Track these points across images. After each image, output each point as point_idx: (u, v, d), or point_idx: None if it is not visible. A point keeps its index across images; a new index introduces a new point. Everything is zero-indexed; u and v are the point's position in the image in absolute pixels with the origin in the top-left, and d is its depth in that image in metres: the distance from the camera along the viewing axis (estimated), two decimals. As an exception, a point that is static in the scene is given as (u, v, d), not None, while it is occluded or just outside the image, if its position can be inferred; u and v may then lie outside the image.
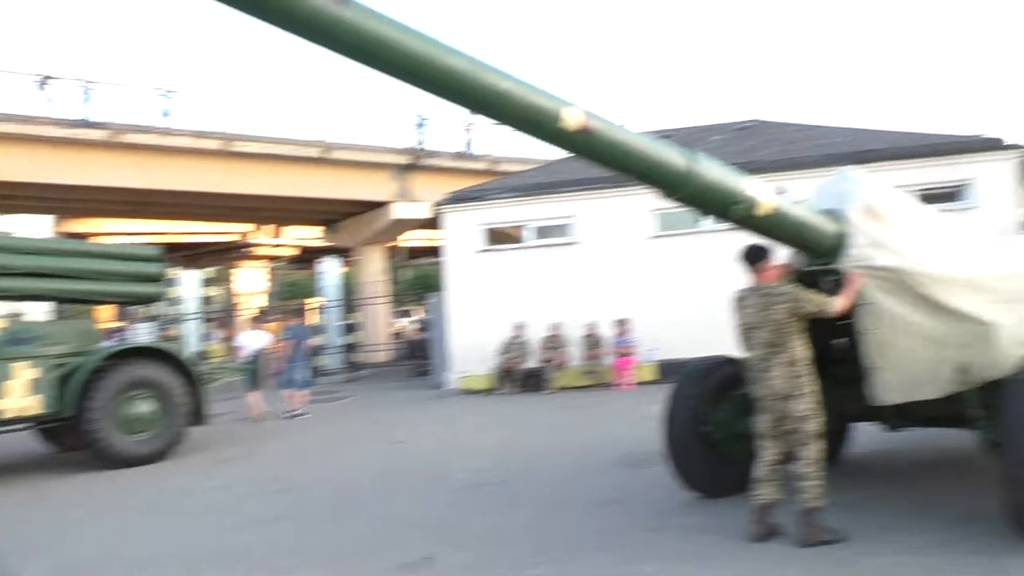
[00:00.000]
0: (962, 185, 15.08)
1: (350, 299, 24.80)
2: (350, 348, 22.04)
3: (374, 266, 28.84)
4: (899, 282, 5.16)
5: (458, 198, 17.59)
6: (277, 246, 37.10)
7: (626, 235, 16.05)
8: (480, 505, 6.95)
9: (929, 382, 5.28)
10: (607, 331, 15.51)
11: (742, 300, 5.40)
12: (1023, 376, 4.82)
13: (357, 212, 28.45)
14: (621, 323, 15.35)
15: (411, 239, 36.13)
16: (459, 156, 28.49)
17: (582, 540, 5.67)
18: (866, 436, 7.54)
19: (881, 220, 5.34)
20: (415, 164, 27.38)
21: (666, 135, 18.04)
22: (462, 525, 6.33)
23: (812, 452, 5.16)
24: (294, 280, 44.06)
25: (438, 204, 17.68)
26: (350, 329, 22.08)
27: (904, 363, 5.27)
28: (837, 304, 5.14)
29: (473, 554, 5.55)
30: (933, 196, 14.65)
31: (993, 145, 15.36)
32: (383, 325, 28.37)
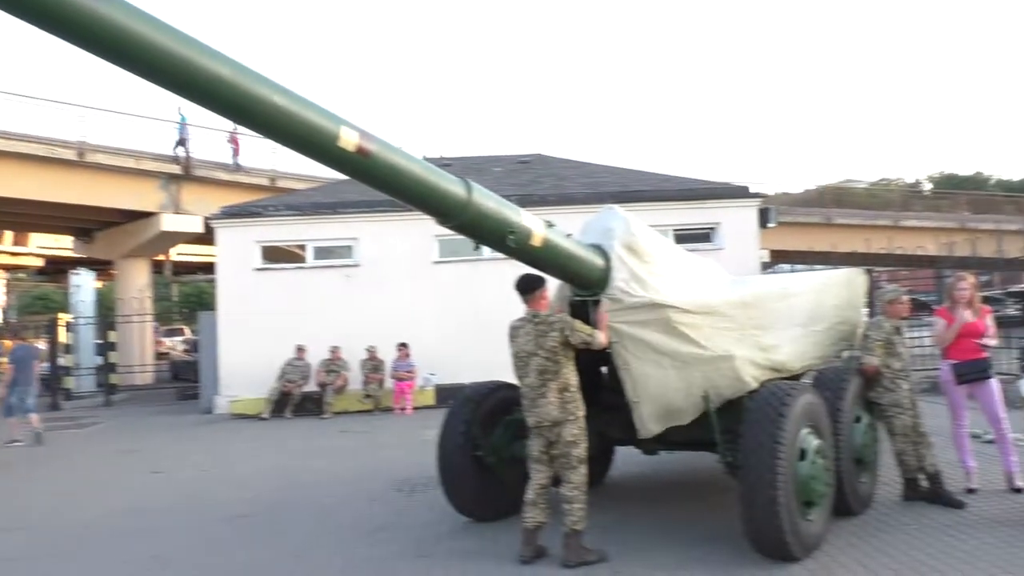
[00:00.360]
0: (712, 227, 16.67)
1: (107, 316, 22.68)
2: (105, 369, 20.11)
3: (137, 281, 26.68)
4: (651, 315, 5.60)
5: (233, 213, 16.77)
6: (17, 255, 33.19)
7: (408, 259, 16.08)
8: (244, 537, 6.61)
9: (682, 410, 5.75)
10: (387, 355, 15.41)
11: (517, 329, 5.58)
12: (756, 402, 5.35)
13: (119, 222, 26.28)
14: (402, 347, 15.32)
15: (183, 254, 33.92)
16: (236, 169, 27.28)
17: (350, 570, 5.56)
18: (623, 459, 8.06)
19: (640, 256, 5.78)
20: (186, 174, 25.80)
21: (447, 163, 18.45)
22: (222, 560, 5.97)
23: (578, 476, 5.41)
24: (42, 293, 39.71)
25: (211, 218, 16.75)
26: (106, 348, 20.15)
27: (659, 394, 5.71)
28: (602, 338, 5.47)
29: (234, 591, 5.26)
30: (687, 236, 16.14)
31: (740, 193, 17.17)
32: (147, 345, 26.27)
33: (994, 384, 6.79)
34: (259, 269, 16.25)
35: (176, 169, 25.67)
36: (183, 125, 25.73)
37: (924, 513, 6.22)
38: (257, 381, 15.34)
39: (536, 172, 19.40)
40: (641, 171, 19.83)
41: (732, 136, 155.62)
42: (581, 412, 5.45)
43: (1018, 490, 6.61)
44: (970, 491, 6.71)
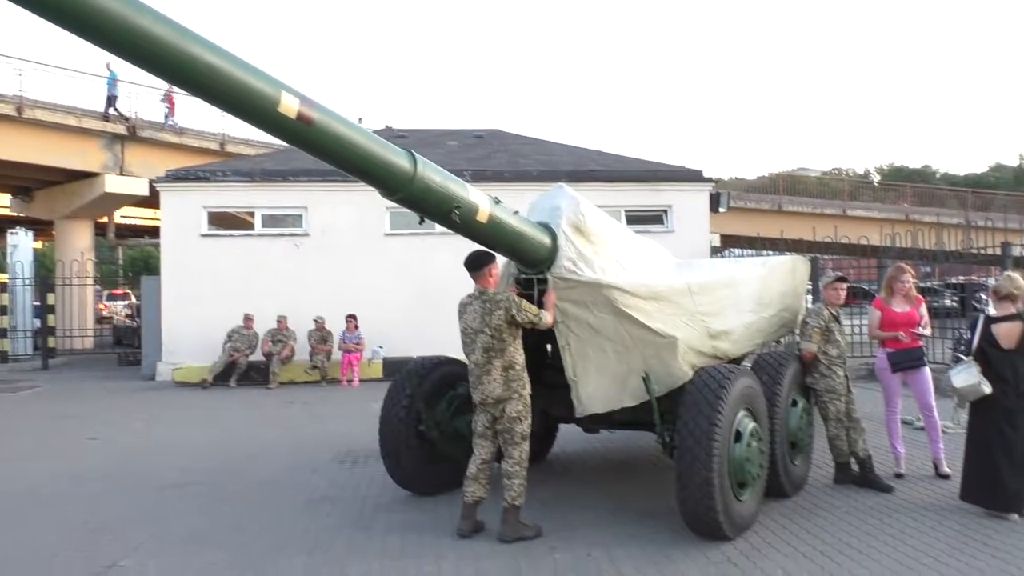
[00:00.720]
0: (664, 210, 16.80)
1: (46, 277, 22.02)
2: (43, 332, 19.56)
3: (79, 243, 25.90)
4: (596, 296, 5.63)
5: (180, 176, 16.34)
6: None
7: (359, 230, 15.91)
8: (183, 507, 6.51)
9: (621, 393, 5.80)
10: (336, 327, 15.27)
11: (465, 306, 5.58)
12: (695, 385, 5.42)
13: (60, 181, 25.48)
14: (350, 319, 15.20)
15: (127, 216, 33.06)
16: (184, 132, 26.59)
17: (288, 541, 5.52)
18: (564, 437, 8.14)
19: (587, 236, 5.79)
20: (131, 135, 25.07)
21: (402, 136, 18.24)
22: (160, 529, 5.88)
23: (520, 452, 5.45)
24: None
25: (157, 181, 16.31)
26: (45, 311, 19.58)
27: (597, 375, 5.76)
28: (548, 318, 5.48)
29: (167, 560, 5.18)
30: (639, 218, 16.26)
31: (694, 177, 17.30)
32: (88, 309, 25.58)
33: (927, 373, 7.00)
34: (205, 235, 15.91)
35: (121, 129, 24.93)
36: (112, 82, 24.92)
37: (854, 496, 6.41)
38: (201, 349, 15.10)
39: (491, 147, 19.31)
40: (596, 151, 19.88)
41: (690, 122, 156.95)
42: (526, 391, 5.47)
43: (944, 476, 6.85)
44: (898, 476, 6.94)
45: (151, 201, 19.56)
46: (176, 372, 15.23)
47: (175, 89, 24.63)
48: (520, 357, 5.47)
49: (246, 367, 15.01)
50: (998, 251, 12.39)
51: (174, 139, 26.28)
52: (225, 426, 10.55)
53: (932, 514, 5.88)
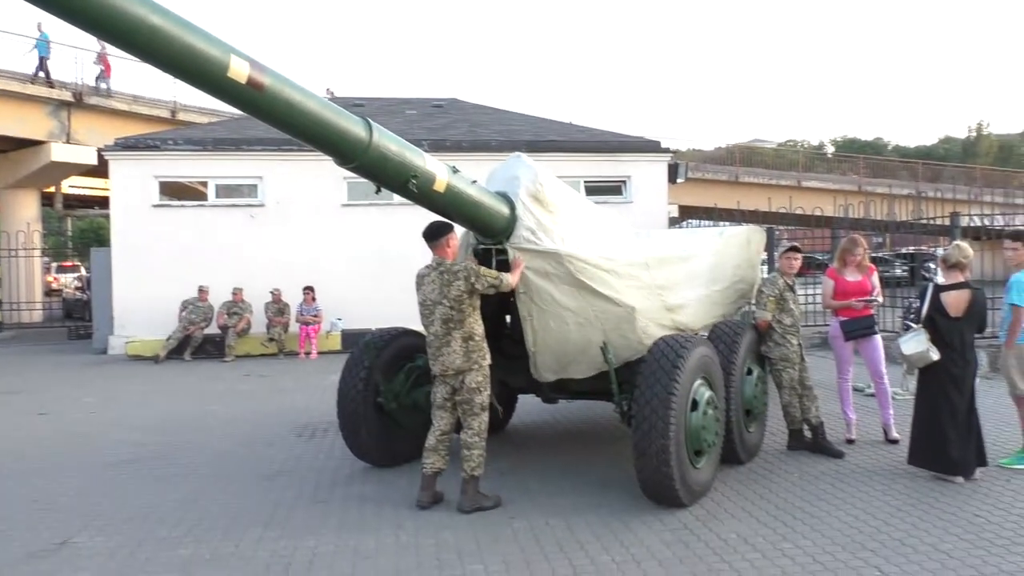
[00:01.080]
0: (623, 180, 16.84)
1: (-10, 249, 21.38)
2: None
3: (25, 213, 25.12)
4: (555, 266, 5.61)
5: (129, 145, 15.90)
6: None
7: (316, 201, 15.69)
8: (135, 483, 6.40)
9: (579, 362, 5.82)
10: (293, 299, 15.08)
11: (423, 277, 5.52)
12: (652, 355, 5.44)
13: (3, 149, 24.62)
14: (308, 291, 15.01)
15: (76, 187, 32.13)
16: (135, 99, 25.83)
17: (244, 515, 5.46)
18: (523, 407, 8.17)
19: (545, 206, 5.76)
20: (78, 102, 24.28)
21: (360, 104, 17.93)
22: (111, 505, 5.77)
23: (479, 423, 5.44)
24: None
25: (105, 150, 15.85)
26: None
27: (557, 346, 5.76)
28: (510, 279, 5.44)
29: (118, 536, 5.09)
30: (598, 188, 16.28)
31: (652, 147, 17.34)
32: (36, 281, 24.91)
33: (878, 341, 7.14)
34: (157, 206, 15.54)
35: (67, 96, 24.12)
36: (43, 43, 24.04)
37: (806, 462, 6.54)
38: (155, 322, 14.84)
39: (451, 117, 19.12)
40: (556, 121, 19.82)
41: (648, 94, 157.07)
42: (486, 361, 5.45)
43: (893, 441, 7.02)
44: (849, 441, 7.10)
45: (100, 171, 18.98)
46: (129, 346, 14.93)
47: (109, 49, 23.83)
48: (480, 328, 5.45)
49: (201, 340, 14.78)
50: (947, 221, 12.66)
51: (123, 107, 25.51)
52: (179, 400, 10.38)
53: (881, 478, 6.03)
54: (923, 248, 27.40)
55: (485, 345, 5.47)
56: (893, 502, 5.44)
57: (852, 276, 7.11)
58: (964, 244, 6.27)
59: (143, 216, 15.33)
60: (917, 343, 5.99)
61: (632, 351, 5.79)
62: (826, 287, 7.29)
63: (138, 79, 34.99)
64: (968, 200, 23.74)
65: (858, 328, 7.03)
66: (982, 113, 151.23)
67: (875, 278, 7.23)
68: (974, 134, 72.83)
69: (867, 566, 4.34)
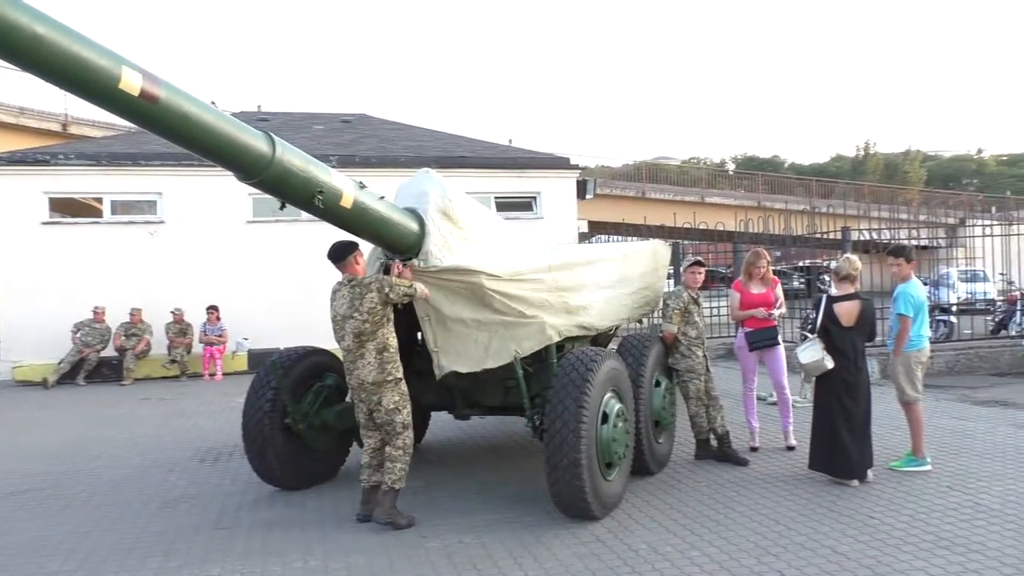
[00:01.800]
0: (533, 196, 17.00)
1: None
2: None
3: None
4: (464, 280, 5.60)
5: (16, 159, 15.08)
6: None
7: (220, 217, 15.23)
8: (24, 514, 6.03)
9: (484, 357, 5.80)
10: (196, 318, 14.56)
11: (335, 292, 5.47)
12: (563, 369, 5.48)
13: None
14: (211, 310, 14.53)
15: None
16: (21, 111, 24.59)
17: (141, 545, 5.21)
18: (436, 424, 8.10)
19: (454, 222, 5.75)
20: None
21: (265, 119, 17.55)
22: (-3, 541, 5.42)
23: (402, 440, 5.42)
24: None
25: (-11, 164, 14.98)
26: None
27: (459, 343, 5.79)
28: (422, 288, 5.42)
29: (4, 573, 4.77)
30: (508, 204, 16.40)
31: (561, 164, 17.59)
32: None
33: (781, 352, 7.41)
34: (47, 223, 14.78)
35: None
36: None
37: (713, 471, 6.71)
38: (45, 345, 14.08)
39: (359, 132, 18.93)
40: (465, 137, 19.86)
41: (557, 112, 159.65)
42: (399, 373, 5.42)
43: (791, 448, 7.29)
44: (753, 449, 7.32)
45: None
46: (16, 370, 14.10)
47: None
48: (393, 340, 5.41)
49: (96, 363, 14.09)
50: (839, 235, 13.27)
51: (9, 119, 24.28)
52: (72, 427, 9.85)
53: (783, 484, 6.23)
54: (818, 261, 28.64)
55: (398, 357, 5.42)
56: (795, 507, 5.63)
57: (757, 288, 7.37)
58: (854, 257, 6.58)
59: (32, 234, 14.55)
60: (813, 352, 6.24)
61: (535, 343, 5.85)
62: (733, 300, 7.53)
63: (25, 90, 33.21)
64: (858, 215, 24.94)
65: (762, 339, 7.28)
66: (869, 132, 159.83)
67: (779, 290, 7.51)
68: (862, 152, 76.97)
69: (771, 570, 4.47)
